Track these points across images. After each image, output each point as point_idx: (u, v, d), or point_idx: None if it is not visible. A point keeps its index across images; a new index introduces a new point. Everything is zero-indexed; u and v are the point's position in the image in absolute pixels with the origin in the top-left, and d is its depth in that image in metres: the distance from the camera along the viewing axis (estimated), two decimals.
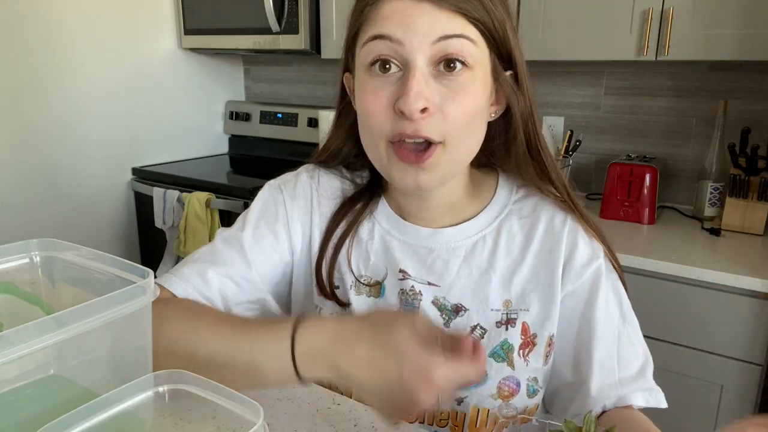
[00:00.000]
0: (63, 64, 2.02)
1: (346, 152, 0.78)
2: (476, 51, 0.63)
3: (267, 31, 2.09)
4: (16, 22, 1.88)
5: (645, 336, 1.44)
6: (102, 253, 0.63)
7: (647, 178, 1.65)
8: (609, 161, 1.74)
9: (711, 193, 1.67)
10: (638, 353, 0.74)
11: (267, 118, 2.51)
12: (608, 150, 1.95)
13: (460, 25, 0.61)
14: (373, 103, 0.63)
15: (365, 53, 0.64)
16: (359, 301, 0.76)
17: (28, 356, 0.47)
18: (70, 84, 2.04)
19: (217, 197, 2.00)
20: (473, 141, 0.68)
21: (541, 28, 1.68)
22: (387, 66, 0.62)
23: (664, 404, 0.72)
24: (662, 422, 1.64)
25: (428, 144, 0.63)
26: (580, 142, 1.84)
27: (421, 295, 0.74)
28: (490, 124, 0.70)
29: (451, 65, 0.62)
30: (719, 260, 1.36)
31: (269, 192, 0.80)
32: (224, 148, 2.68)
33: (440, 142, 0.63)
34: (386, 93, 0.63)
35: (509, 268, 0.73)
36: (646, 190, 1.65)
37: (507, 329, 0.72)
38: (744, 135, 1.57)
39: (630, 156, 1.79)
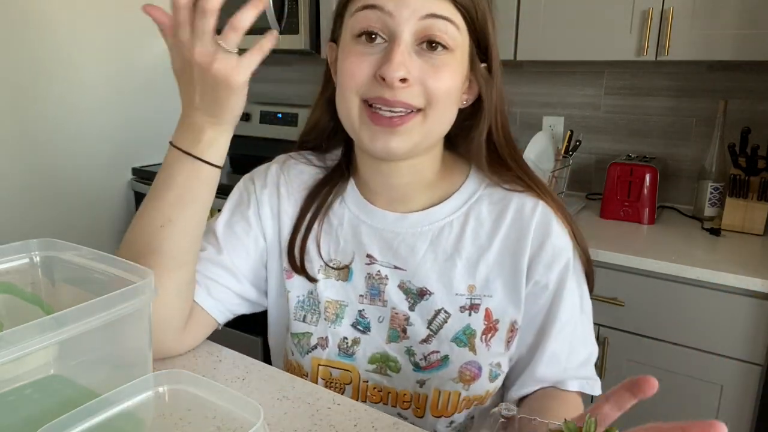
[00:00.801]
0: (63, 65, 2.01)
1: (323, 125, 0.80)
2: (458, 36, 0.66)
3: (267, 31, 2.09)
4: (15, 23, 1.88)
5: (645, 336, 1.45)
6: (102, 253, 0.63)
7: (647, 178, 1.65)
8: (609, 161, 1.74)
9: (711, 193, 1.67)
10: (587, 344, 0.77)
11: (267, 118, 2.51)
12: (608, 150, 1.95)
13: (447, 8, 0.64)
14: (355, 65, 0.66)
15: (354, 21, 0.66)
16: (327, 285, 0.78)
17: (28, 356, 0.47)
18: (70, 84, 2.04)
19: (217, 197, 2.00)
20: (447, 118, 0.70)
21: (541, 28, 1.68)
22: (373, 37, 0.65)
23: (597, 392, 0.75)
24: (662, 422, 1.62)
25: (408, 112, 0.65)
26: (580, 142, 1.84)
27: (387, 279, 0.75)
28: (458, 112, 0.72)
29: (433, 45, 0.65)
30: (719, 260, 1.36)
31: (243, 184, 0.83)
32: None
33: (420, 110, 0.66)
34: (369, 60, 0.65)
35: (475, 253, 0.74)
36: (646, 190, 1.65)
37: (470, 315, 0.74)
38: (744, 135, 1.57)
39: (630, 156, 1.79)
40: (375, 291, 0.76)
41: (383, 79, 0.63)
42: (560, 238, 0.74)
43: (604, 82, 1.92)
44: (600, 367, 1.49)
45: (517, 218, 0.74)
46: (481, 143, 0.73)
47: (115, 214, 2.26)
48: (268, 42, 0.65)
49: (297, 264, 0.78)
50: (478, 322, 0.74)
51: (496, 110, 0.72)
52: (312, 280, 0.78)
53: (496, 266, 0.74)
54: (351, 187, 0.79)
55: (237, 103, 0.67)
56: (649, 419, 1.46)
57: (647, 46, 1.53)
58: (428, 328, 0.74)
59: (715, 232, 1.56)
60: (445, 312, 0.74)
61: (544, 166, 1.75)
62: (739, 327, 1.31)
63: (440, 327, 0.74)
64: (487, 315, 0.74)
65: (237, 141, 2.66)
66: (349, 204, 0.79)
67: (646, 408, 1.56)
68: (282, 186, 0.81)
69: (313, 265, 0.78)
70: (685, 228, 1.63)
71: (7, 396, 0.56)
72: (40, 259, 0.66)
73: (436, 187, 0.77)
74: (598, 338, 1.49)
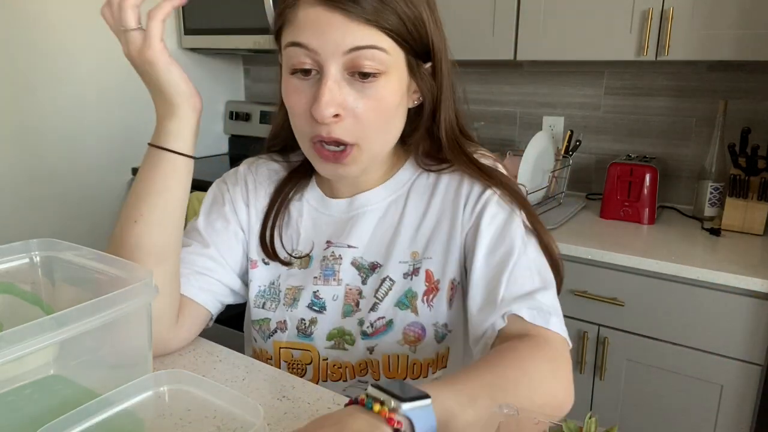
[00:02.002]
0: (63, 65, 2.02)
1: (288, 129, 0.81)
2: (389, 58, 0.66)
3: (267, 31, 2.09)
4: (15, 23, 1.88)
5: (645, 336, 1.45)
6: (102, 253, 0.63)
7: (647, 178, 1.65)
8: (609, 161, 1.74)
9: (711, 193, 1.67)
10: (534, 280, 0.70)
11: (267, 118, 2.51)
12: (608, 150, 1.95)
13: (372, 36, 0.64)
14: (295, 104, 0.69)
15: (287, 56, 0.68)
16: (290, 274, 0.82)
17: (28, 356, 0.47)
18: (70, 84, 2.04)
19: None
20: (390, 136, 0.73)
21: (541, 28, 1.68)
22: (306, 68, 0.66)
23: (554, 327, 0.66)
24: (662, 422, 1.64)
25: (345, 144, 0.68)
26: (580, 142, 1.84)
27: (341, 258, 0.80)
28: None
29: (365, 73, 0.65)
30: (719, 260, 1.36)
31: (216, 186, 0.88)
32: (224, 148, 2.68)
33: (354, 144, 0.68)
34: (305, 95, 0.67)
35: (416, 221, 0.79)
36: (646, 190, 1.65)
37: (411, 279, 0.77)
38: (744, 135, 1.57)
39: (630, 156, 1.79)
40: (329, 271, 0.80)
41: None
42: (482, 188, 0.76)
43: (604, 82, 1.92)
44: (600, 367, 1.49)
45: (450, 183, 0.78)
46: (417, 142, 0.77)
47: (115, 215, 2.26)
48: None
49: (270, 252, 0.82)
50: (419, 284, 0.77)
51: (441, 106, 0.75)
52: (287, 264, 0.82)
53: (434, 229, 0.77)
54: (312, 183, 0.84)
55: (172, 81, 0.68)
56: (650, 419, 1.47)
57: (647, 46, 1.52)
58: (375, 296, 0.78)
59: (715, 232, 1.56)
60: (390, 280, 0.78)
61: (544, 166, 1.75)
62: (739, 327, 1.31)
63: (386, 294, 0.78)
64: (428, 276, 0.77)
65: (237, 141, 2.69)
66: (308, 199, 0.84)
67: (647, 408, 1.57)
68: (250, 183, 0.85)
69: (278, 256, 0.82)
70: (685, 228, 1.63)
71: (7, 396, 0.56)
72: (40, 259, 0.66)
73: (386, 173, 0.81)
74: (597, 338, 1.49)
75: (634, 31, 1.55)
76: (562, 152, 1.84)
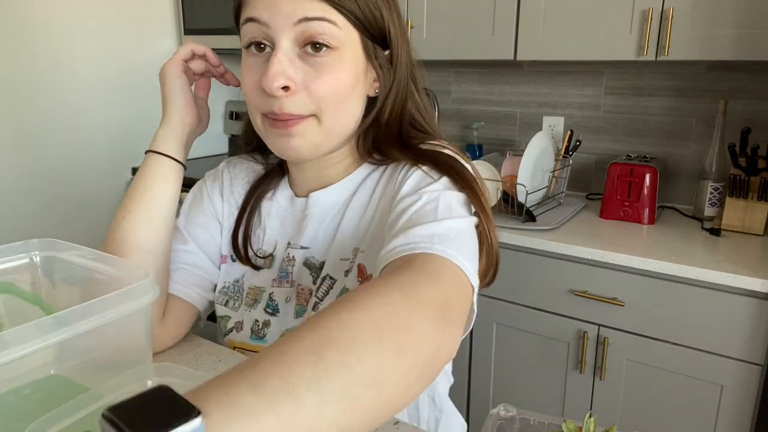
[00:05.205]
0: (63, 65, 2.02)
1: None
2: (340, 33, 0.66)
3: None
4: (15, 23, 1.88)
5: (645, 336, 1.45)
6: (102, 253, 0.63)
7: (647, 178, 1.65)
8: (609, 161, 1.74)
9: (711, 193, 1.67)
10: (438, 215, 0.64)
11: None
12: (608, 150, 1.95)
13: (322, 8, 0.64)
14: (248, 81, 0.69)
15: (243, 34, 0.69)
16: (254, 273, 0.83)
17: (28, 356, 0.48)
18: (70, 84, 2.04)
19: None
20: (347, 117, 0.71)
21: (541, 28, 1.68)
22: (261, 46, 0.67)
23: (439, 251, 0.56)
24: (662, 422, 1.64)
25: (299, 116, 0.67)
26: (580, 142, 1.84)
27: (295, 259, 0.80)
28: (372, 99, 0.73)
29: (317, 46, 0.65)
30: (719, 260, 1.36)
31: (197, 185, 0.90)
32: (224, 148, 2.68)
33: (311, 115, 0.67)
34: (258, 72, 0.67)
35: (357, 216, 0.77)
36: (646, 190, 1.65)
37: (346, 276, 0.75)
38: (744, 135, 1.57)
39: (630, 156, 1.79)
40: (284, 273, 0.80)
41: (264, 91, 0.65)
42: (416, 173, 0.70)
43: (604, 82, 1.92)
44: (600, 367, 1.50)
45: (391, 178, 0.74)
46: (365, 130, 0.75)
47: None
48: (223, 71, 0.86)
49: (242, 254, 0.82)
50: (352, 281, 0.75)
51: (390, 95, 0.73)
52: (257, 268, 0.82)
53: (372, 221, 0.75)
54: (284, 182, 0.85)
55: (172, 91, 0.79)
56: (649, 419, 1.48)
57: (647, 46, 1.52)
58: (315, 295, 0.77)
59: (715, 232, 1.56)
60: (330, 278, 0.77)
61: (544, 166, 1.75)
62: (739, 327, 1.31)
63: (326, 293, 0.77)
64: (360, 271, 0.75)
65: (237, 141, 2.64)
66: (279, 198, 0.84)
67: (646, 408, 1.57)
68: (226, 181, 0.87)
69: (249, 258, 0.83)
70: (685, 228, 1.63)
71: (7, 396, 0.56)
72: (40, 259, 0.66)
73: (344, 173, 0.79)
74: (597, 338, 1.49)
75: (634, 31, 1.55)
76: (562, 152, 1.84)
